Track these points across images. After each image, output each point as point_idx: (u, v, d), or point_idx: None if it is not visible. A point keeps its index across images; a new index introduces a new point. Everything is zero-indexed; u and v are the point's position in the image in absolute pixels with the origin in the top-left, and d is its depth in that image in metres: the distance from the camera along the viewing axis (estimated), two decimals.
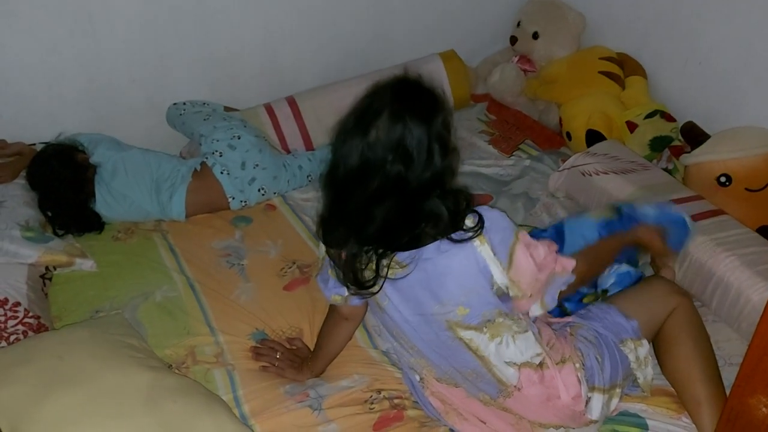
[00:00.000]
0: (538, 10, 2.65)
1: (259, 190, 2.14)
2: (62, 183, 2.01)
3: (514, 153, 2.42)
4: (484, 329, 1.27)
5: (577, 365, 1.35)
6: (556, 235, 1.73)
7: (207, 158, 2.12)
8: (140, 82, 2.31)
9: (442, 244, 1.19)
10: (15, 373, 1.31)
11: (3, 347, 1.53)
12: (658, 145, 2.21)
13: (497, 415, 1.38)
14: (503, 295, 1.27)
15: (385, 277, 1.23)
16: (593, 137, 2.29)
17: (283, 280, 1.87)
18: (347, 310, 1.46)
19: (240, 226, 2.09)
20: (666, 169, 2.15)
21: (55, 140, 2.11)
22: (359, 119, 1.17)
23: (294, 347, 1.65)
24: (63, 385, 1.30)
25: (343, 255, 1.25)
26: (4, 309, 1.62)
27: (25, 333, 1.58)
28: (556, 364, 1.34)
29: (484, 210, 1.23)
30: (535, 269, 1.26)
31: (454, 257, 1.20)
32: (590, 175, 2.07)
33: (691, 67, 2.27)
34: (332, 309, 1.53)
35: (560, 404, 1.33)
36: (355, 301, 1.41)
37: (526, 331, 1.32)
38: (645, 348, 1.46)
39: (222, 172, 2.09)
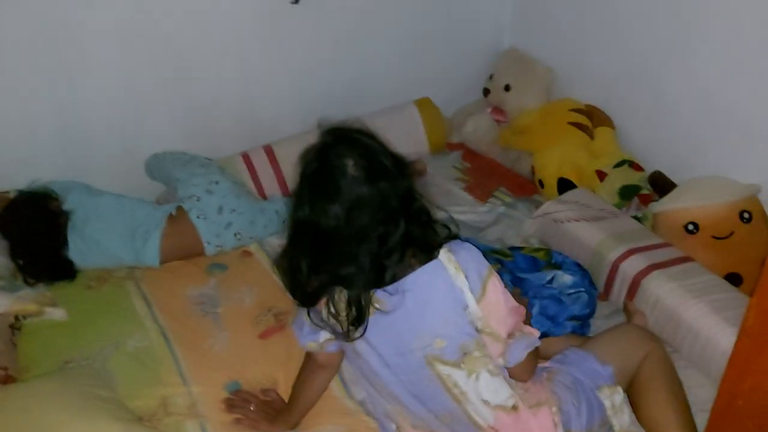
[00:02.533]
0: (509, 64, 2.74)
1: (235, 235, 2.13)
2: (34, 231, 1.99)
3: (488, 200, 2.46)
4: (462, 365, 1.28)
5: (554, 409, 1.36)
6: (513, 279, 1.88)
7: (184, 203, 2.12)
8: (117, 129, 2.31)
9: (424, 274, 1.23)
10: None
11: None
12: (627, 193, 2.26)
13: None
14: (476, 329, 1.28)
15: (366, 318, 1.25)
16: (564, 185, 2.35)
17: (258, 328, 1.86)
18: (323, 357, 1.46)
19: (215, 273, 2.08)
20: (635, 217, 2.20)
21: (28, 187, 2.10)
22: (322, 171, 1.21)
23: (268, 399, 1.62)
24: None
25: (325, 302, 1.26)
26: None
27: None
28: (531, 407, 1.35)
29: (458, 242, 1.28)
30: (506, 310, 1.29)
31: (432, 285, 1.24)
32: (562, 222, 2.11)
33: (657, 119, 2.35)
34: (308, 358, 1.52)
35: None
36: (331, 348, 1.41)
37: (501, 370, 1.33)
38: (620, 395, 1.47)
39: (198, 217, 2.09)
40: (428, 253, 1.25)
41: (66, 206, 2.06)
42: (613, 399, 1.46)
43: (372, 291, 1.24)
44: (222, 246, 2.13)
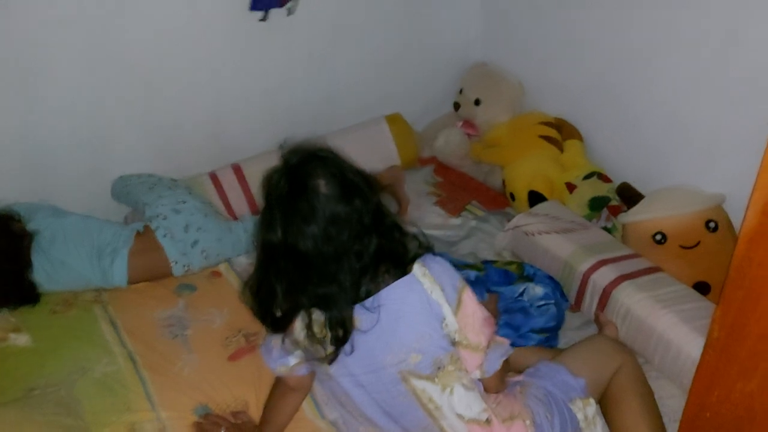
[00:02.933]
0: (479, 79, 2.76)
1: (201, 253, 2.10)
2: None
3: (461, 214, 2.47)
4: (436, 379, 1.28)
5: (527, 422, 1.36)
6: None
7: (150, 222, 2.09)
8: (83, 150, 2.27)
9: (397, 289, 1.23)
10: None
11: None
12: (597, 205, 2.28)
13: None
14: (453, 342, 1.28)
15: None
16: (535, 198, 2.36)
17: (228, 350, 1.82)
18: (294, 380, 1.44)
19: (184, 294, 2.05)
20: (605, 228, 2.22)
21: None
22: (293, 192, 1.20)
23: (239, 422, 1.59)
24: None
25: (305, 325, 1.25)
26: None
27: None
28: (504, 421, 1.34)
29: (430, 255, 1.28)
30: (481, 321, 1.30)
31: (406, 300, 1.23)
32: (533, 234, 2.12)
33: (624, 131, 2.39)
34: (278, 380, 1.50)
35: None
36: (302, 371, 1.39)
37: (475, 384, 1.33)
38: (593, 407, 1.48)
39: (165, 236, 2.06)
40: (401, 268, 1.25)
41: (31, 227, 2.01)
42: (586, 411, 1.46)
43: (352, 309, 1.23)
44: (189, 265, 2.09)
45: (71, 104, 2.19)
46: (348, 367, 1.29)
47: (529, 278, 1.98)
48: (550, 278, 1.98)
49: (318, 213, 1.18)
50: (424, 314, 1.25)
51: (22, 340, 1.82)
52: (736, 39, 1.91)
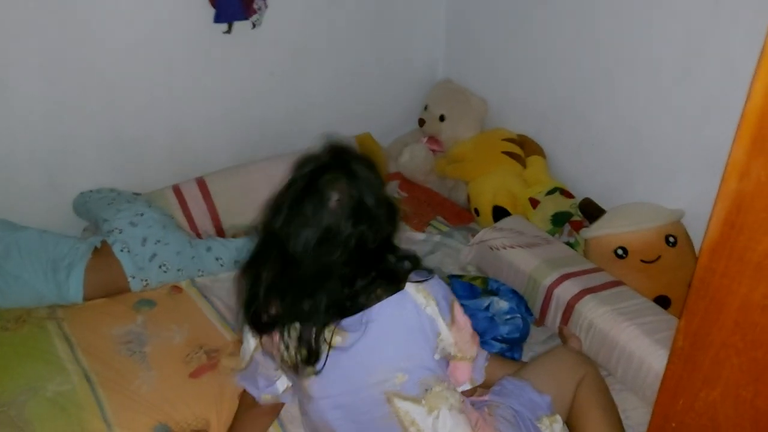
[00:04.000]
0: (444, 95, 2.79)
1: (160, 267, 2.05)
2: None
3: (425, 229, 2.47)
4: (423, 401, 1.25)
5: None
6: None
7: (108, 236, 2.03)
8: (41, 163, 2.21)
9: (390, 305, 1.19)
10: None
11: None
12: (559, 220, 2.31)
13: None
14: (444, 357, 1.28)
15: (329, 348, 1.20)
16: (499, 213, 2.38)
17: (189, 367, 1.77)
18: (271, 406, 1.41)
19: (143, 310, 1.99)
20: (568, 243, 2.24)
21: None
22: (308, 191, 1.18)
23: None
24: None
25: (279, 336, 1.21)
26: None
27: None
28: None
29: (421, 272, 1.26)
30: (470, 332, 1.31)
31: (398, 317, 1.20)
32: (498, 249, 2.14)
33: (586, 148, 2.43)
34: (248, 405, 1.46)
35: None
36: (286, 398, 1.37)
37: (461, 409, 1.30)
38: (559, 423, 1.48)
39: (122, 250, 2.00)
40: (395, 285, 1.22)
41: None
42: (553, 428, 1.46)
43: (331, 326, 1.19)
44: (147, 280, 2.04)
45: (29, 116, 2.13)
46: (327, 388, 1.24)
47: (494, 293, 1.99)
48: (515, 293, 1.99)
49: (318, 222, 1.16)
50: (415, 332, 1.21)
51: None
52: (696, 60, 1.97)
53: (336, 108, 2.74)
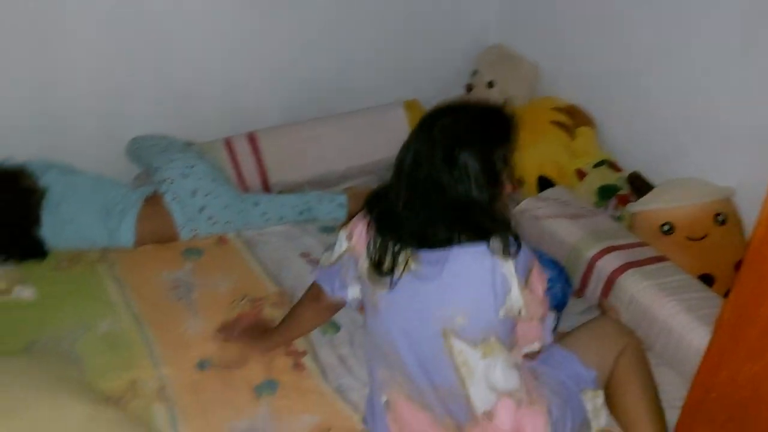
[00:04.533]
0: (495, 60, 2.74)
1: (209, 219, 2.10)
2: (5, 209, 1.94)
3: None
4: (478, 346, 1.29)
5: (545, 409, 1.37)
6: None
7: (159, 186, 2.09)
8: (97, 112, 2.27)
9: (470, 251, 1.25)
10: None
11: None
12: (606, 193, 2.28)
13: None
14: (512, 318, 1.30)
15: (404, 268, 1.29)
16: (544, 183, 2.36)
17: (233, 314, 1.83)
18: (330, 302, 1.54)
19: (190, 258, 2.05)
20: (613, 217, 2.22)
21: (1, 165, 2.04)
22: (456, 131, 1.26)
23: (257, 325, 1.72)
24: None
25: (372, 242, 1.32)
26: None
27: None
28: (530, 404, 1.35)
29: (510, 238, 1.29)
30: (542, 295, 1.34)
31: (473, 265, 1.25)
32: (541, 219, 2.12)
33: (637, 120, 2.38)
34: (314, 296, 1.58)
35: None
36: (354, 303, 1.49)
37: (516, 367, 1.35)
38: (601, 398, 1.49)
39: (173, 200, 2.06)
40: (480, 238, 1.26)
41: (41, 184, 2.01)
42: (595, 402, 1.48)
43: (411, 250, 1.27)
44: (196, 230, 2.10)
45: (88, 65, 2.19)
46: (398, 309, 1.32)
47: None
48: (555, 263, 1.98)
49: (436, 140, 1.25)
50: (486, 285, 1.25)
51: (26, 293, 1.83)
52: (760, 33, 1.90)
53: (383, 72, 2.73)
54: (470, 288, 1.26)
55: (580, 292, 2.01)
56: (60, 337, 1.69)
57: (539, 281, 1.34)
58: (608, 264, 1.92)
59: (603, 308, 1.89)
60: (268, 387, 1.61)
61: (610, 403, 1.52)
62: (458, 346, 1.29)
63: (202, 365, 1.66)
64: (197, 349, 1.69)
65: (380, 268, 1.29)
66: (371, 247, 1.31)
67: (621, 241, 2.00)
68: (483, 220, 1.26)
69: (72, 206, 2.00)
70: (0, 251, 1.91)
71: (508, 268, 1.25)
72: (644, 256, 1.94)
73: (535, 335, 1.38)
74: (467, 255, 1.25)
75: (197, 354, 1.68)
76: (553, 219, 2.11)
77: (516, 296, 1.27)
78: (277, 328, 1.67)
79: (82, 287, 1.89)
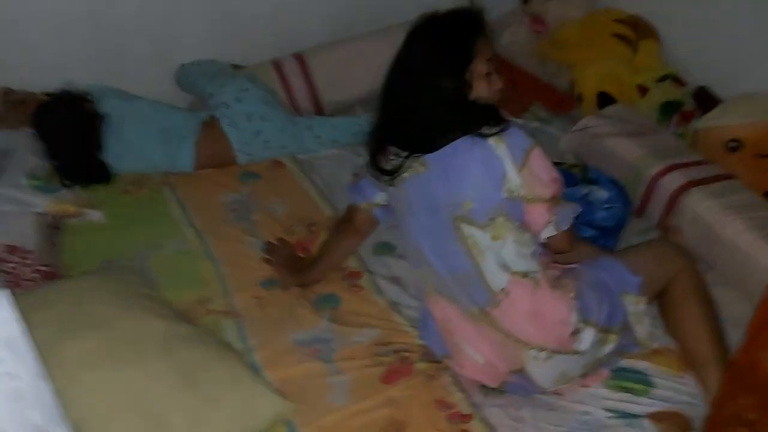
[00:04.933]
0: None
1: (264, 143, 2.12)
2: (69, 132, 2.00)
3: (523, 115, 2.41)
4: (487, 228, 1.35)
5: (571, 295, 1.39)
6: None
7: (215, 111, 2.10)
8: (148, 33, 2.28)
9: (464, 143, 1.34)
10: (33, 319, 1.30)
11: (19, 293, 1.53)
12: (669, 109, 2.19)
13: (486, 337, 1.41)
14: (516, 199, 1.34)
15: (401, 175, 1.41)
16: (605, 100, 2.28)
17: (292, 239, 1.86)
18: (360, 220, 1.61)
19: (248, 182, 2.09)
20: (676, 134, 2.14)
21: (63, 89, 2.08)
22: (424, 41, 1.39)
23: (303, 256, 1.78)
24: (81, 330, 1.31)
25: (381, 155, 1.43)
26: (17, 256, 1.62)
27: (37, 280, 1.59)
28: (550, 287, 1.38)
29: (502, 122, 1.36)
30: (548, 178, 1.37)
31: (471, 154, 1.33)
32: (601, 137, 2.07)
33: (704, 31, 2.25)
34: (342, 221, 1.66)
35: (546, 323, 1.37)
36: (377, 211, 1.58)
37: (530, 246, 1.39)
38: (643, 305, 1.48)
39: (229, 124, 2.08)
40: (471, 130, 1.34)
41: (102, 109, 2.05)
42: (637, 308, 1.47)
43: (417, 156, 1.38)
44: (252, 154, 2.12)
45: None
46: (411, 205, 1.42)
47: (593, 182, 1.95)
48: (614, 182, 1.94)
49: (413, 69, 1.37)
50: (484, 168, 1.33)
51: (96, 216, 1.90)
52: None
53: None
54: (471, 174, 1.34)
55: (640, 212, 1.97)
56: (132, 257, 1.76)
57: (541, 163, 1.37)
58: (671, 182, 1.87)
59: (665, 228, 1.86)
60: (329, 301, 1.67)
61: (668, 325, 1.52)
62: (467, 230, 1.36)
63: (265, 284, 1.71)
64: (261, 269, 1.75)
65: (388, 172, 1.41)
66: (390, 157, 1.42)
67: (684, 159, 1.94)
68: (467, 115, 1.35)
69: (132, 131, 2.05)
70: (65, 176, 1.96)
71: (501, 150, 1.33)
72: (709, 174, 1.88)
73: (540, 218, 1.39)
74: (464, 146, 1.34)
75: (261, 274, 1.73)
76: (613, 137, 2.05)
77: (513, 177, 1.33)
78: (314, 263, 1.69)
79: (148, 209, 1.96)
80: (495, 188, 1.34)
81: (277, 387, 1.39)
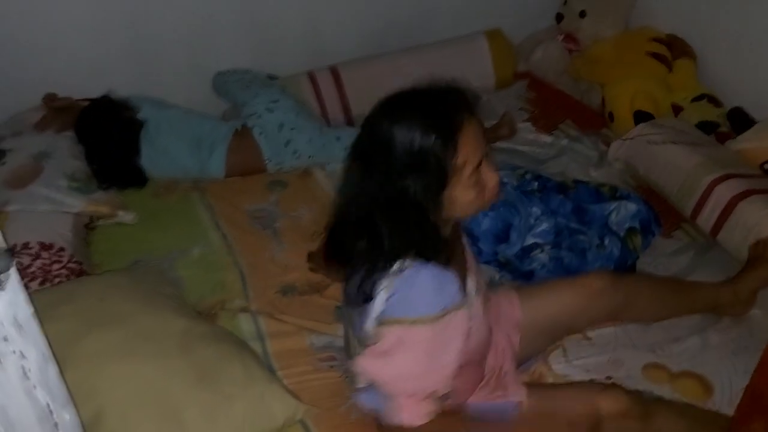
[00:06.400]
0: None
1: (294, 153, 2.16)
2: (109, 138, 2.08)
3: (552, 132, 2.39)
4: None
5: None
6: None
7: (247, 120, 2.15)
8: (184, 43, 2.34)
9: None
10: (58, 311, 1.36)
11: (48, 287, 1.59)
12: (704, 129, 2.15)
13: None
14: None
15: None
16: (642, 118, 2.23)
17: (315, 244, 1.87)
18: None
19: (276, 190, 2.12)
20: None
21: (104, 96, 2.16)
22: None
23: None
24: (103, 324, 1.35)
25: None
26: (50, 253, 1.68)
27: (68, 276, 1.65)
28: None
29: (420, 267, 1.09)
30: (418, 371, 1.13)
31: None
32: (657, 144, 2.04)
33: (741, 51, 2.21)
34: None
35: None
36: None
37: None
38: None
39: (260, 134, 2.13)
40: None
41: (140, 116, 2.12)
42: None
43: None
44: (282, 164, 2.16)
45: None
46: None
47: (623, 197, 1.92)
48: (645, 202, 1.91)
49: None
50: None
51: (128, 217, 1.96)
52: None
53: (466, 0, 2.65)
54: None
55: (693, 218, 1.93)
56: (159, 258, 1.81)
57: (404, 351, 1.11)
58: (728, 189, 1.84)
59: (755, 254, 1.71)
60: None
61: None
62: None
63: (284, 291, 1.73)
64: (281, 276, 1.77)
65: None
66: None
67: (741, 170, 1.91)
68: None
69: (167, 138, 2.11)
70: (103, 179, 2.03)
71: (381, 298, 1.11)
72: (766, 186, 1.84)
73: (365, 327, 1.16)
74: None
75: (281, 280, 1.76)
76: (670, 144, 2.02)
77: (369, 327, 1.14)
78: None
79: (177, 214, 2.01)
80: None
81: (292, 389, 1.41)
